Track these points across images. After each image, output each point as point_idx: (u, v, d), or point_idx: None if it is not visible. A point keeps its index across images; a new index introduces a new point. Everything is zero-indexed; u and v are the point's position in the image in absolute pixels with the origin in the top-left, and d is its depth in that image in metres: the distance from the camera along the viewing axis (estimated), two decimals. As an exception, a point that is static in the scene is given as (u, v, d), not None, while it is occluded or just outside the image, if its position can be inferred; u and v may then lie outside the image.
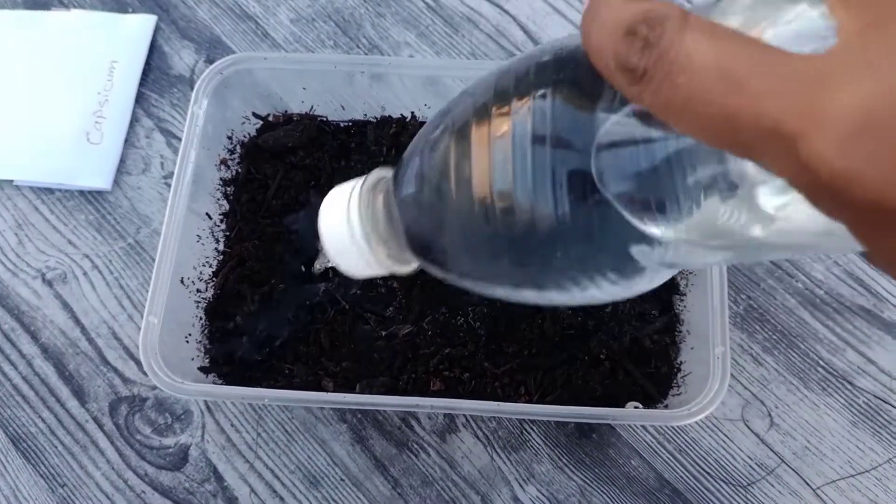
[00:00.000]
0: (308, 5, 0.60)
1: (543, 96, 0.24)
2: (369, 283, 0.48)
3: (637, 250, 0.24)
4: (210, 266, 0.49)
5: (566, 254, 0.25)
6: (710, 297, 0.42)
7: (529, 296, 0.28)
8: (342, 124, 0.53)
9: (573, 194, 0.23)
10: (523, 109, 0.24)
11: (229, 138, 0.53)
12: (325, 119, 0.54)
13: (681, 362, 0.46)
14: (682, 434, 0.47)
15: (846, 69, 0.15)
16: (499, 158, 0.24)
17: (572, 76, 0.23)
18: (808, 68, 0.15)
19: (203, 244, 0.49)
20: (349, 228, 0.32)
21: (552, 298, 0.28)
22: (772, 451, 0.47)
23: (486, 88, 0.26)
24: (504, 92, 0.25)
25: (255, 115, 0.53)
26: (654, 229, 0.22)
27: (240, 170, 0.52)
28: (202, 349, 0.48)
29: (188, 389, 0.42)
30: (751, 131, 0.16)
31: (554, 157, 0.23)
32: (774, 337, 0.49)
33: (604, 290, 0.26)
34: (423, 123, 0.53)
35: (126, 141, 0.56)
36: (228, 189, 0.52)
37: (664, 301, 0.48)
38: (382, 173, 0.33)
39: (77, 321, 0.51)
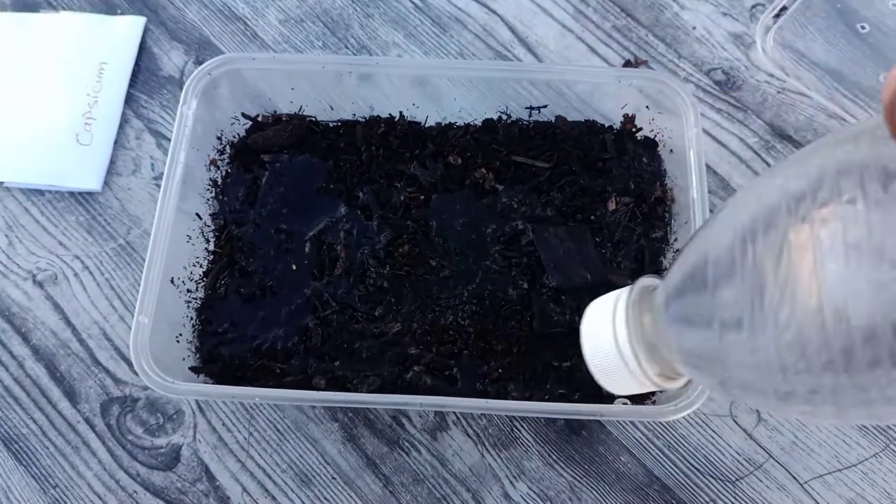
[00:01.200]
0: (297, 6, 0.61)
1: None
2: (359, 283, 0.49)
3: None
4: (200, 266, 0.50)
5: None
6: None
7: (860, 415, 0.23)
8: (331, 124, 0.54)
9: None
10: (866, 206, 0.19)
11: (218, 139, 0.53)
12: (313, 119, 0.54)
13: (669, 359, 0.47)
14: (672, 430, 0.48)
15: None
16: (844, 270, 0.20)
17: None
18: None
19: (193, 244, 0.49)
20: (617, 349, 0.30)
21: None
22: (760, 446, 0.47)
23: (799, 177, 0.22)
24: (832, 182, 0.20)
25: (244, 115, 0.53)
26: None
27: (229, 170, 0.52)
28: (193, 349, 0.48)
29: (179, 389, 0.42)
30: None
31: None
32: (762, 333, 0.50)
33: None
34: (411, 123, 0.53)
35: (116, 142, 0.56)
36: (218, 189, 0.52)
37: (652, 298, 0.48)
38: (647, 282, 0.31)
39: (68, 322, 0.51)
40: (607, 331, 0.30)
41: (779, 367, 0.22)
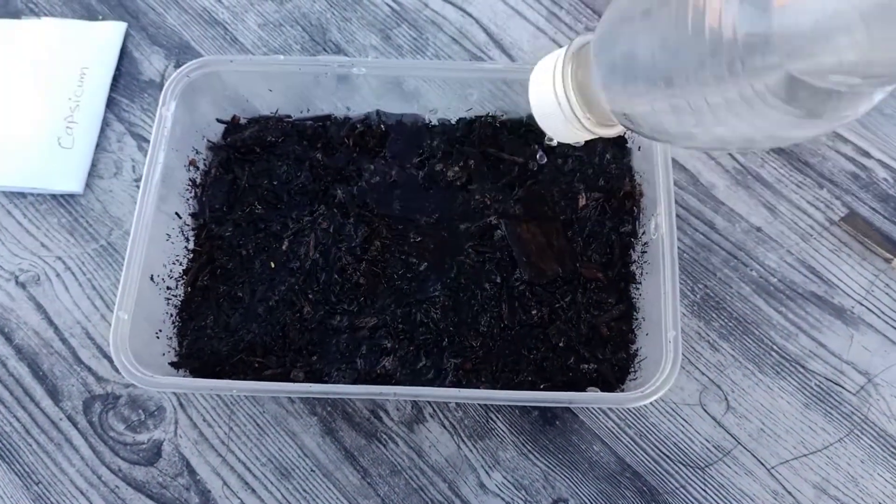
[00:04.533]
0: (275, 11, 0.62)
1: None
2: (336, 279, 0.50)
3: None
4: (180, 264, 0.51)
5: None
6: (663, 285, 0.44)
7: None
8: (308, 124, 0.55)
9: None
10: None
11: (198, 140, 0.54)
12: (291, 120, 0.55)
13: (637, 349, 0.48)
14: (643, 419, 0.49)
15: None
16: None
17: None
18: None
19: (173, 243, 0.50)
20: (555, 96, 0.34)
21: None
22: (728, 433, 0.49)
23: None
24: None
25: (218, 120, 0.54)
26: None
27: (208, 170, 0.53)
28: (173, 345, 0.49)
29: (158, 382, 0.43)
30: None
31: None
32: (730, 324, 0.51)
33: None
34: (387, 123, 0.54)
35: (97, 145, 0.57)
36: (197, 189, 0.53)
37: (620, 290, 0.49)
38: (583, 39, 0.34)
39: (50, 322, 0.52)
40: (548, 81, 0.35)
41: (673, 71, 0.26)
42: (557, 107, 0.35)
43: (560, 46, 0.60)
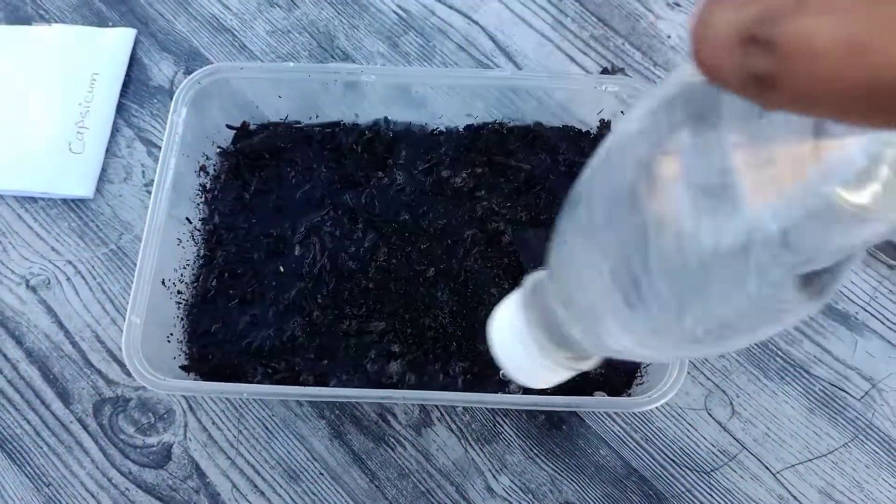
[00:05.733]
0: (284, 18, 0.62)
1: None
2: (345, 284, 0.50)
3: None
4: (191, 268, 0.51)
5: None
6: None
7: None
8: (317, 131, 0.55)
9: None
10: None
11: (208, 146, 0.54)
12: (300, 126, 0.55)
13: (644, 353, 0.48)
14: (649, 424, 0.49)
15: None
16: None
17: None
18: None
19: (183, 247, 0.51)
20: (523, 346, 0.31)
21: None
22: (733, 438, 0.49)
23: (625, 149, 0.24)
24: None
25: (228, 126, 0.55)
26: None
27: (219, 176, 0.54)
28: (183, 348, 0.49)
29: (169, 385, 0.43)
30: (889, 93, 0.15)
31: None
32: (735, 329, 0.51)
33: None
34: (395, 130, 0.55)
35: (107, 150, 0.58)
36: (208, 194, 0.53)
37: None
38: (537, 275, 0.31)
39: (61, 325, 0.53)
40: (511, 331, 0.31)
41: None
42: (529, 357, 0.31)
43: (566, 54, 0.61)
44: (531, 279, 0.31)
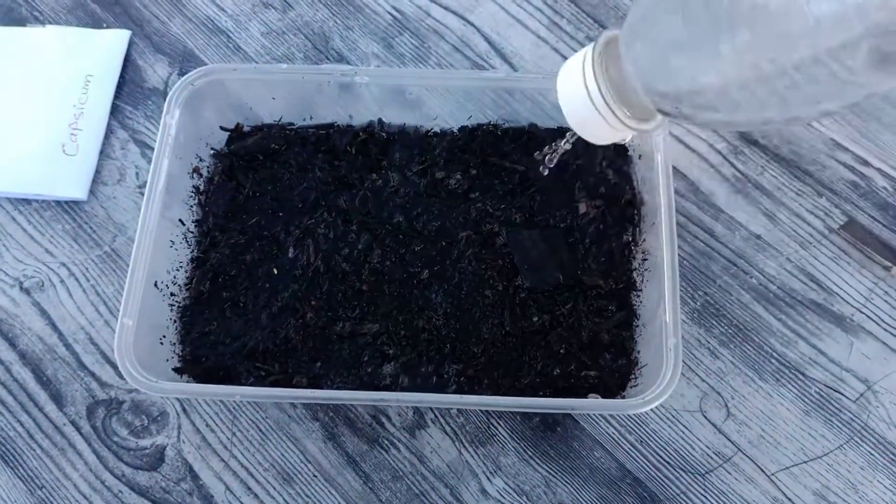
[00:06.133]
0: (278, 19, 0.62)
1: None
2: (338, 286, 0.50)
3: None
4: (184, 270, 0.51)
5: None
6: (664, 292, 0.44)
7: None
8: (311, 132, 0.55)
9: None
10: None
11: (202, 147, 0.54)
12: (294, 128, 0.55)
13: (638, 355, 0.48)
14: (643, 426, 0.49)
15: None
16: None
17: None
18: None
19: (176, 249, 0.51)
20: (588, 97, 0.32)
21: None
22: (728, 440, 0.49)
23: None
24: None
25: (222, 128, 0.55)
26: None
27: (212, 178, 0.54)
28: (177, 350, 0.49)
29: (162, 388, 0.43)
30: None
31: None
32: (730, 331, 0.51)
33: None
34: (389, 131, 0.55)
35: (101, 152, 0.57)
36: (201, 196, 0.53)
37: (621, 297, 0.50)
38: (610, 34, 0.33)
39: (54, 327, 0.52)
40: (578, 83, 0.33)
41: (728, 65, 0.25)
42: (593, 108, 0.33)
43: (561, 55, 0.60)
44: (604, 35, 0.33)
